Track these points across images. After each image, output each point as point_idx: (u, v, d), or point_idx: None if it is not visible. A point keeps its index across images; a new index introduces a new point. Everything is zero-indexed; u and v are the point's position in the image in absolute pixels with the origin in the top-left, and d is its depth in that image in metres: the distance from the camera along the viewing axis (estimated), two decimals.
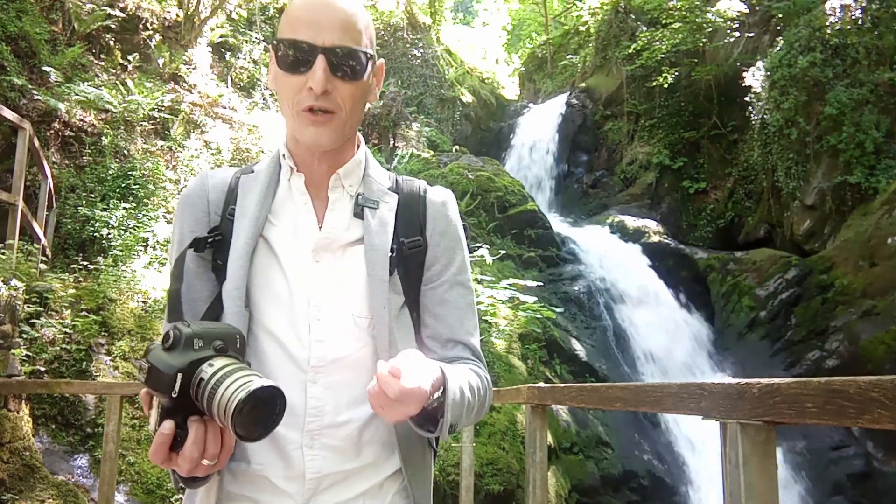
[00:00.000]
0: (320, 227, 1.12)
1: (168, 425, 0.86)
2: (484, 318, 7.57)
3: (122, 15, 9.78)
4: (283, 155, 1.16)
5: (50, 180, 6.91)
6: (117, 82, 9.01)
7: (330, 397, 1.06)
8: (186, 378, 0.85)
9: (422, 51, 16.59)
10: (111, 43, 9.67)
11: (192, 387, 0.86)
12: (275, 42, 1.08)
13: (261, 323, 1.07)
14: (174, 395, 0.85)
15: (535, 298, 8.43)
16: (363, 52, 1.06)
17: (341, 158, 1.15)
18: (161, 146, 9.00)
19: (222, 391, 0.83)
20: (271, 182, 1.15)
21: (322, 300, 1.08)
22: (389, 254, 1.11)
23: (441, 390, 0.98)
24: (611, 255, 11.15)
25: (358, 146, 1.19)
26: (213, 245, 1.12)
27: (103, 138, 8.13)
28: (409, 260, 1.14)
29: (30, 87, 7.69)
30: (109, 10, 9.49)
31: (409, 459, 1.12)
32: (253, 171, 1.18)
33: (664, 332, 9.79)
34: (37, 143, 6.53)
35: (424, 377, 0.92)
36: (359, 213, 1.13)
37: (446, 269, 1.17)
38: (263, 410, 0.84)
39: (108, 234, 7.28)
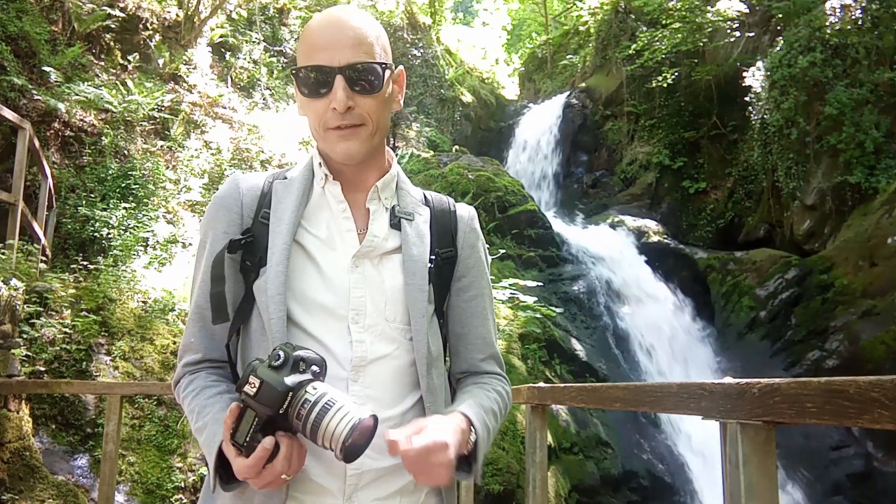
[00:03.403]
0: (358, 234, 1.17)
1: (270, 441, 0.94)
2: None
3: (122, 15, 9.78)
4: (319, 163, 1.20)
5: (50, 180, 6.90)
6: (117, 82, 9.01)
7: (370, 396, 1.11)
8: (293, 397, 0.93)
9: (422, 51, 16.59)
10: (111, 43, 9.67)
11: (293, 406, 0.93)
12: (294, 71, 1.14)
13: (299, 324, 1.12)
14: (280, 412, 0.93)
15: (535, 298, 8.43)
16: (378, 64, 1.11)
17: (372, 169, 1.21)
18: (161, 146, 9.01)
19: (330, 418, 0.91)
20: (305, 189, 1.19)
21: (361, 304, 1.13)
22: (429, 265, 1.18)
23: (473, 438, 1.08)
24: (610, 255, 11.15)
25: (390, 162, 1.25)
26: (244, 246, 1.15)
27: (103, 138, 8.13)
28: (441, 270, 1.21)
29: (30, 87, 7.69)
30: (109, 10, 9.49)
31: None
32: (286, 178, 1.22)
33: (664, 332, 9.79)
34: (37, 143, 6.53)
35: (449, 434, 1.00)
36: (395, 224, 1.19)
37: (477, 281, 1.25)
38: (366, 437, 0.94)
39: (108, 234, 7.28)
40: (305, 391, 0.93)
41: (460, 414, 1.08)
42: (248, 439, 0.93)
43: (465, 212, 1.29)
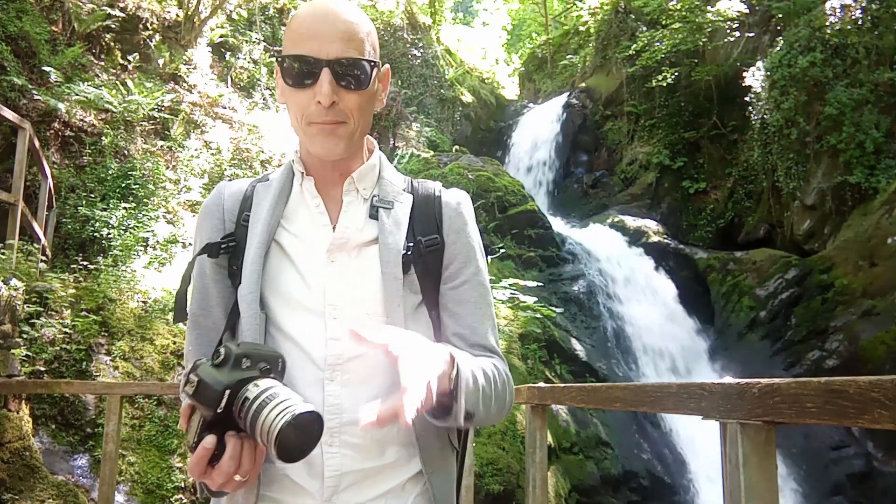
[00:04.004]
0: (333, 228, 1.14)
1: (210, 440, 0.90)
2: None
3: (122, 15, 9.78)
4: (294, 161, 1.19)
5: (50, 180, 6.91)
6: (117, 82, 9.01)
7: (348, 395, 1.07)
8: (232, 395, 0.90)
9: (422, 51, 16.58)
10: (111, 43, 9.67)
11: (236, 404, 0.90)
12: (279, 58, 1.10)
13: (276, 324, 1.10)
14: (219, 411, 0.89)
15: (535, 298, 8.43)
16: (367, 61, 1.08)
17: (351, 163, 1.17)
18: (161, 146, 9.00)
19: (266, 413, 0.87)
20: (284, 188, 1.18)
21: (337, 299, 1.10)
22: (403, 252, 1.12)
23: (455, 374, 0.98)
24: (610, 255, 11.15)
25: (371, 151, 1.22)
26: (227, 251, 1.15)
27: (103, 138, 8.13)
28: (426, 258, 1.16)
29: (30, 87, 7.69)
30: (109, 10, 9.49)
31: (429, 460, 1.12)
32: (268, 180, 1.21)
33: (664, 332, 9.79)
34: (37, 143, 6.53)
35: (430, 365, 0.92)
36: (374, 215, 1.15)
37: (464, 267, 1.18)
38: (304, 434, 0.88)
39: (108, 234, 7.28)
40: (246, 388, 0.89)
41: (444, 348, 1.01)
42: (196, 439, 0.91)
43: (452, 197, 1.22)
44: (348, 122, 1.09)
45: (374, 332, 0.94)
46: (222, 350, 0.92)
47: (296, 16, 1.11)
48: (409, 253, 1.13)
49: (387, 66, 1.19)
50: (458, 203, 1.22)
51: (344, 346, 1.08)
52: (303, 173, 1.17)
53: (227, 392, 0.89)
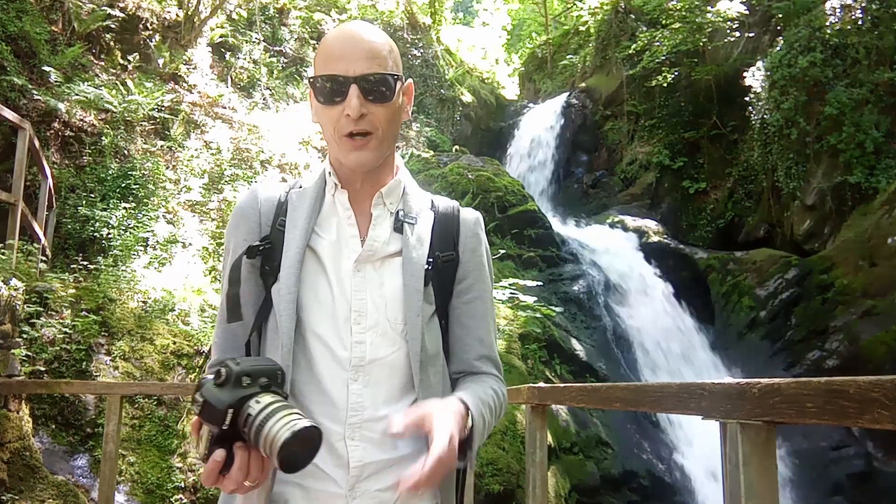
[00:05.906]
0: (362, 240, 1.24)
1: (220, 453, 0.98)
2: None
3: (122, 15, 9.78)
4: (329, 173, 1.28)
5: (50, 180, 6.91)
6: (117, 82, 9.01)
7: (368, 394, 1.18)
8: (236, 412, 0.97)
9: (422, 51, 16.58)
10: (111, 43, 9.67)
11: (239, 420, 0.97)
12: (311, 80, 1.22)
13: (308, 326, 1.20)
14: (224, 427, 0.97)
15: (535, 298, 8.43)
16: (390, 76, 1.19)
17: (381, 177, 1.28)
18: (161, 146, 9.00)
19: (269, 428, 0.94)
20: (318, 197, 1.28)
21: (362, 306, 1.21)
22: (426, 267, 1.24)
23: (470, 424, 1.11)
24: (610, 255, 11.15)
25: (397, 169, 1.32)
26: (262, 252, 1.25)
27: (103, 138, 8.13)
28: (442, 272, 1.28)
29: (30, 87, 7.69)
30: (109, 10, 9.49)
31: None
32: (301, 187, 1.31)
33: (664, 332, 9.79)
34: (37, 143, 6.53)
35: (454, 427, 1.04)
36: (398, 228, 1.26)
37: (476, 283, 1.31)
38: (304, 447, 0.95)
39: (108, 234, 7.28)
40: (248, 405, 0.96)
41: (458, 399, 1.13)
42: (206, 452, 0.99)
43: (470, 216, 1.35)
44: (376, 133, 1.19)
45: (408, 416, 1.05)
46: (223, 370, 0.98)
47: (324, 40, 1.23)
48: (430, 268, 1.24)
49: (410, 80, 1.28)
50: (475, 222, 1.35)
51: (365, 350, 1.19)
52: (337, 185, 1.27)
53: (231, 410, 0.96)
